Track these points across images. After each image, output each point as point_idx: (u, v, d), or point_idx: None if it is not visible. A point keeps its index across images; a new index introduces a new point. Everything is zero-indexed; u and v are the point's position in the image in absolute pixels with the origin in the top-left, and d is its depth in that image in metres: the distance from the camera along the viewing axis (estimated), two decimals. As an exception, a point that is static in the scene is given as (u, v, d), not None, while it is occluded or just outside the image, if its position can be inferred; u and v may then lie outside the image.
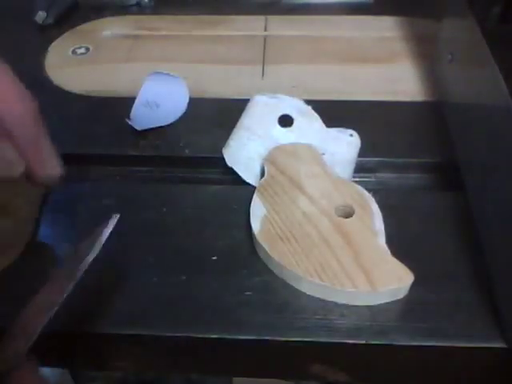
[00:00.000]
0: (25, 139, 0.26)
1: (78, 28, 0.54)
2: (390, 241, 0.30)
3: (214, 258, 0.31)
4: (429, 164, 0.38)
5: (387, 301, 0.29)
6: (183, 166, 0.39)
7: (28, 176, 0.27)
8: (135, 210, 0.34)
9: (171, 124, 0.41)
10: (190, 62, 0.49)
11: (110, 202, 0.34)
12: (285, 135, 0.36)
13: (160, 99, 0.41)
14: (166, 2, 0.58)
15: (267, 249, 0.30)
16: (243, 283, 0.30)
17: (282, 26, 0.53)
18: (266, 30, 0.53)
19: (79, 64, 0.49)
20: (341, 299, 0.28)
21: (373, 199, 0.32)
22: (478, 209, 0.31)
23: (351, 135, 0.36)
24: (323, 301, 0.29)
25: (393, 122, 0.41)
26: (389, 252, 0.29)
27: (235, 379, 0.77)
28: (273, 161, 0.34)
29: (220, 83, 0.46)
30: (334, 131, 0.36)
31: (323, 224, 0.31)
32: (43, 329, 0.25)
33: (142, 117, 0.40)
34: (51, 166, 0.27)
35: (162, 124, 0.40)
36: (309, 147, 0.35)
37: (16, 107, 0.26)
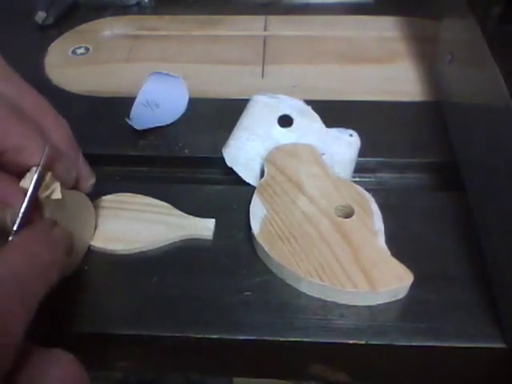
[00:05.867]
0: (66, 164, 0.28)
1: (78, 28, 0.54)
2: (390, 241, 0.30)
3: (214, 258, 0.31)
4: (429, 164, 0.38)
5: (387, 301, 0.29)
6: (183, 166, 0.39)
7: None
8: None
9: (171, 124, 0.41)
10: (189, 62, 0.49)
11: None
12: (285, 135, 0.36)
13: (160, 99, 0.41)
14: (166, 2, 0.58)
15: (267, 249, 0.30)
16: (243, 283, 0.30)
17: (281, 26, 0.53)
18: (265, 30, 0.53)
19: (79, 64, 0.49)
20: (341, 299, 0.28)
21: (373, 199, 0.32)
22: (477, 209, 0.31)
23: (351, 135, 0.36)
24: (323, 301, 0.29)
25: (393, 121, 0.41)
26: (388, 252, 0.29)
27: (235, 379, 0.77)
28: (272, 161, 0.34)
29: (220, 83, 0.46)
30: (333, 131, 0.36)
31: (323, 224, 0.31)
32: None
33: (141, 117, 0.40)
34: (90, 177, 0.31)
35: (162, 124, 0.40)
36: (309, 147, 0.35)
37: (54, 136, 0.28)
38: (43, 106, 0.28)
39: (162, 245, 0.32)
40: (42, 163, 0.25)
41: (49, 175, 0.26)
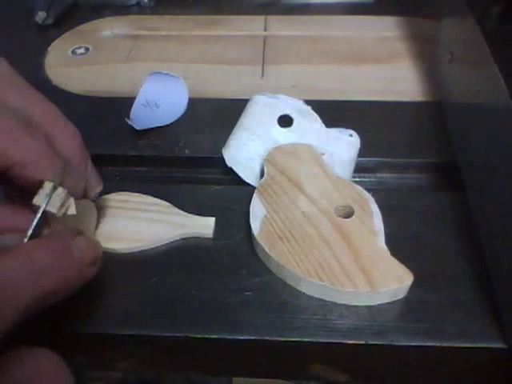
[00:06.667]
0: (76, 177, 0.28)
1: (78, 28, 0.54)
2: (390, 241, 0.30)
3: (214, 258, 0.31)
4: (429, 164, 0.38)
5: (387, 301, 0.29)
6: (183, 166, 0.39)
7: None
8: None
9: (171, 124, 0.41)
10: (189, 62, 0.49)
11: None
12: (284, 135, 0.36)
13: (160, 99, 0.41)
14: (166, 2, 0.58)
15: (267, 249, 0.30)
16: (243, 283, 0.30)
17: (281, 26, 0.53)
18: (265, 30, 0.53)
19: (79, 64, 0.49)
20: (340, 299, 0.28)
21: (372, 199, 0.32)
22: (477, 209, 0.31)
23: (351, 135, 0.36)
24: (323, 301, 0.29)
25: (393, 122, 0.41)
26: (388, 252, 0.29)
27: (235, 379, 0.78)
28: (272, 161, 0.34)
29: (220, 83, 0.46)
30: (333, 131, 0.36)
31: (323, 224, 0.31)
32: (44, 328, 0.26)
33: (141, 117, 0.40)
34: (97, 185, 0.31)
35: (162, 124, 0.40)
36: (308, 147, 0.35)
37: (64, 146, 0.27)
38: (53, 115, 0.28)
39: (162, 243, 0.32)
40: (56, 179, 0.25)
41: (65, 192, 0.26)
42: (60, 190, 0.26)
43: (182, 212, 0.33)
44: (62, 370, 0.23)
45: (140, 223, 0.32)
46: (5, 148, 0.25)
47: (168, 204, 0.34)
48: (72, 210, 0.26)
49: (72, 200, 0.26)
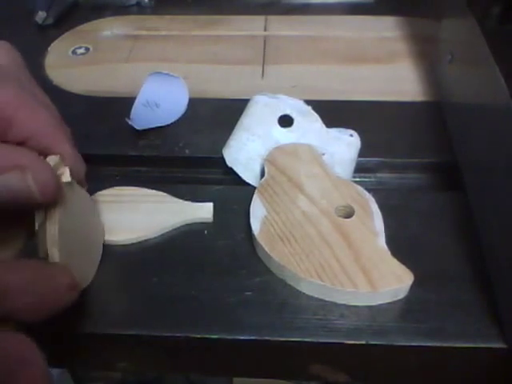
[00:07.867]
0: (52, 144, 0.27)
1: (78, 28, 0.54)
2: (390, 241, 0.30)
3: (214, 258, 0.31)
4: (429, 164, 0.38)
5: (387, 301, 0.29)
6: (183, 166, 0.39)
7: None
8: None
9: (171, 124, 0.41)
10: (189, 62, 0.49)
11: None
12: (285, 135, 0.36)
13: (160, 99, 0.41)
14: (165, 2, 0.58)
15: (267, 249, 0.30)
16: (243, 283, 0.30)
17: (281, 26, 0.53)
18: (265, 30, 0.53)
19: (79, 64, 0.49)
20: (341, 299, 0.28)
21: (373, 199, 0.32)
22: (478, 209, 0.31)
23: (351, 135, 0.36)
24: (323, 301, 0.29)
25: (393, 122, 0.41)
26: (389, 252, 0.29)
27: (235, 379, 0.78)
28: (273, 161, 0.34)
29: (220, 83, 0.46)
30: (334, 131, 0.36)
31: (323, 224, 0.31)
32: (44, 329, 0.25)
33: (141, 117, 0.40)
34: (80, 162, 0.29)
35: (162, 124, 0.40)
36: (309, 147, 0.35)
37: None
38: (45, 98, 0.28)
39: (165, 231, 0.32)
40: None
41: (57, 157, 0.25)
42: (53, 156, 0.25)
43: (179, 200, 0.34)
44: (30, 349, 0.22)
45: (140, 214, 0.33)
46: (23, 120, 0.25)
47: (164, 194, 0.34)
48: (67, 177, 0.26)
49: (67, 168, 0.26)
